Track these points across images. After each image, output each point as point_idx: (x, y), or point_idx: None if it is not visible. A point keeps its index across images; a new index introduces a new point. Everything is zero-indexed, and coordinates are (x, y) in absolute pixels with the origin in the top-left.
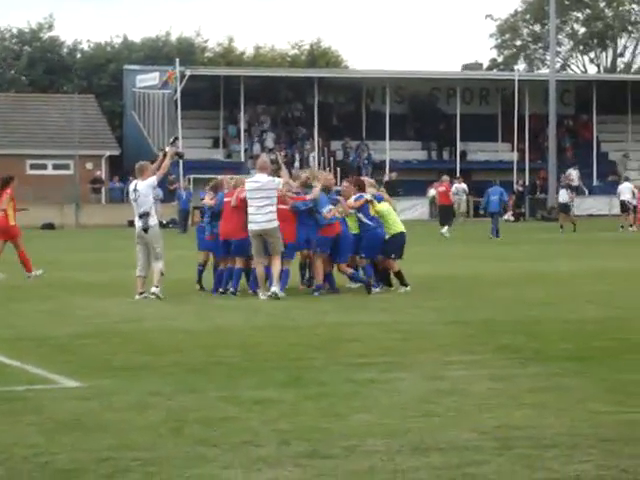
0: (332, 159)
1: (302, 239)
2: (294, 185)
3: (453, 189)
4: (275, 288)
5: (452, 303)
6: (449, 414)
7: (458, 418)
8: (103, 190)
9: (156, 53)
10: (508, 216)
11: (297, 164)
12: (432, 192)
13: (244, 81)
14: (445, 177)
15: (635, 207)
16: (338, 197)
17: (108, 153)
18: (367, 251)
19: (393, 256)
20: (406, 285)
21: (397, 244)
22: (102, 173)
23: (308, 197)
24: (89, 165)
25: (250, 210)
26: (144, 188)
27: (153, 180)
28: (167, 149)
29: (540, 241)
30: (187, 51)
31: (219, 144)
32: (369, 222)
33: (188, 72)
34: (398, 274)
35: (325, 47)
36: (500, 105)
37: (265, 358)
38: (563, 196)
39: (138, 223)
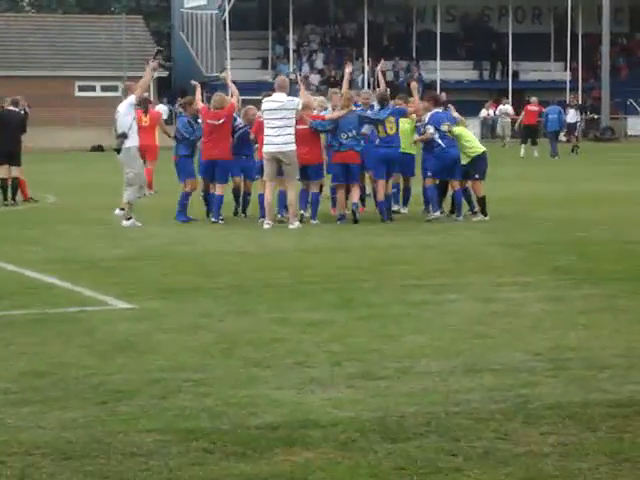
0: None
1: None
2: (314, 107)
3: (497, 111)
4: (296, 222)
5: (504, 225)
6: (502, 335)
7: (511, 339)
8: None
9: None
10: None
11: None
12: (484, 112)
13: (293, 1)
14: (534, 99)
15: None
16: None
17: (156, 74)
18: (436, 170)
19: (477, 176)
20: (485, 214)
21: (480, 165)
22: (150, 95)
23: (327, 116)
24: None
25: (267, 131)
26: (123, 107)
27: (132, 98)
28: (150, 62)
29: (592, 162)
30: None
31: (267, 65)
32: (441, 143)
33: None
34: (482, 200)
35: None
36: (553, 24)
37: (316, 280)
38: (572, 116)
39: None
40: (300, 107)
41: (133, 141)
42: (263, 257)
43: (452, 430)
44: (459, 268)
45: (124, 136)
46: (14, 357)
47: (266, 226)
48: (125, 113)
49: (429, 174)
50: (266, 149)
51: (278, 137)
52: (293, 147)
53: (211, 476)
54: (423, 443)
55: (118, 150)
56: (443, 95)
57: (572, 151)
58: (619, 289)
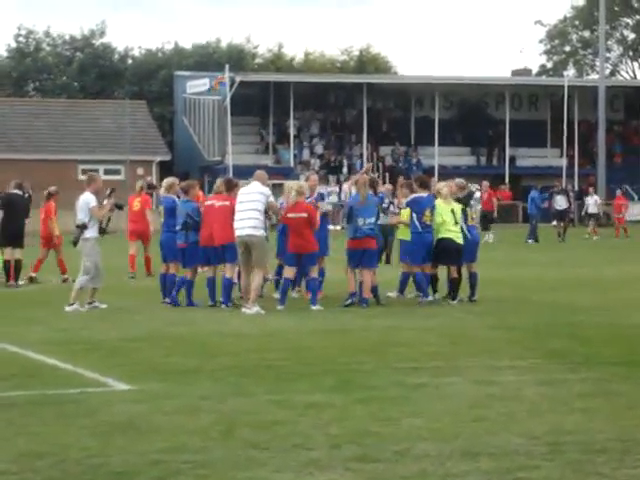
0: (381, 164)
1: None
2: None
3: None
4: (249, 306)
5: (498, 308)
6: (500, 419)
7: (509, 423)
8: (154, 196)
9: (207, 59)
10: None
11: (345, 169)
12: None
13: (294, 87)
14: (485, 183)
15: None
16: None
17: (159, 158)
18: (412, 256)
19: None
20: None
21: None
22: (152, 178)
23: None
24: (140, 170)
25: (236, 216)
26: (82, 201)
27: (89, 202)
28: (105, 201)
29: (587, 246)
30: (237, 57)
31: (268, 150)
32: (418, 226)
33: (238, 78)
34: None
35: (374, 53)
36: (549, 111)
37: (314, 362)
38: (560, 202)
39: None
40: (271, 198)
41: (92, 232)
42: (262, 338)
43: None
44: (456, 351)
45: (84, 227)
46: (13, 438)
47: (246, 310)
48: (82, 208)
49: (407, 261)
50: (236, 233)
51: (243, 221)
52: (261, 232)
53: None
54: None
55: (75, 242)
56: (433, 180)
57: (559, 236)
58: (613, 373)
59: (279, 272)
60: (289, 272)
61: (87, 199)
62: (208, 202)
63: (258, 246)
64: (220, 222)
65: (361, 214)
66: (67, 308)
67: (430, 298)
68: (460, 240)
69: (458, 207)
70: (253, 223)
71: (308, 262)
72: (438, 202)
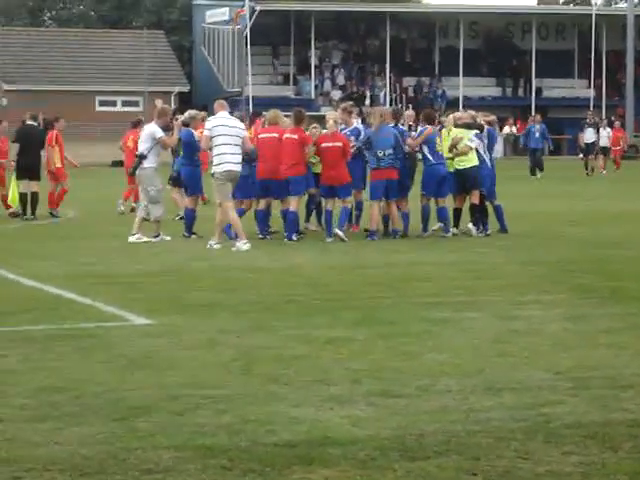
0: (404, 96)
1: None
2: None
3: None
4: (216, 240)
5: (524, 242)
6: (523, 354)
7: (532, 358)
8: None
9: None
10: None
11: (367, 101)
12: (507, 129)
13: (315, 16)
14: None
15: None
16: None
17: (178, 89)
18: (425, 188)
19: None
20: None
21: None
22: (172, 109)
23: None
24: (158, 101)
25: (224, 149)
26: (147, 132)
27: (155, 133)
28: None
29: (615, 179)
30: None
31: (289, 81)
32: (430, 157)
33: (258, 7)
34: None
35: None
36: (577, 40)
37: (335, 297)
38: (589, 135)
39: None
40: (246, 133)
41: (151, 162)
42: (282, 273)
43: (472, 449)
44: (480, 285)
45: (142, 157)
46: (31, 373)
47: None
48: (147, 136)
49: (423, 193)
50: (229, 167)
51: (236, 156)
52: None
53: None
54: (443, 462)
55: (133, 170)
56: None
57: (586, 168)
58: None
59: (310, 203)
60: (330, 203)
61: (153, 130)
62: (262, 135)
63: (236, 182)
64: (289, 155)
65: (377, 145)
66: (130, 238)
67: (450, 232)
68: (460, 166)
69: (463, 132)
70: (240, 159)
71: (342, 194)
72: (443, 132)
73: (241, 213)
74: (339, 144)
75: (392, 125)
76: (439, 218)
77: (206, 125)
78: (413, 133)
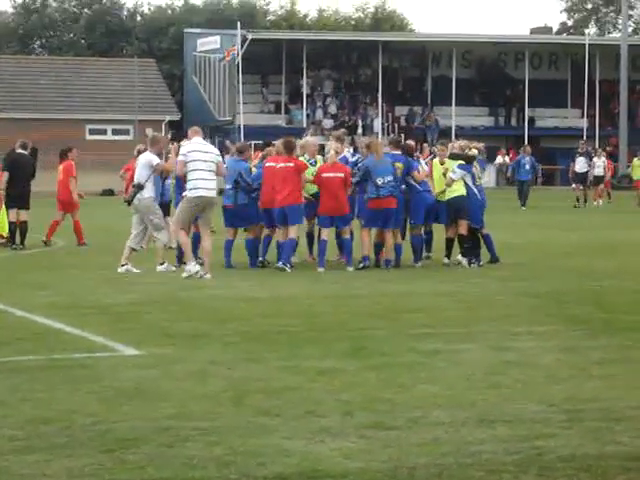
0: (396, 125)
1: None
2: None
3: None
4: (196, 267)
5: (517, 272)
6: (516, 386)
7: (525, 390)
8: (164, 155)
9: (217, 16)
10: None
11: (360, 130)
12: (499, 159)
13: (307, 45)
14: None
15: None
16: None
17: (168, 118)
18: (414, 217)
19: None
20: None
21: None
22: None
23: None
24: (149, 130)
25: (198, 174)
26: (143, 161)
27: (152, 161)
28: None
29: (608, 210)
30: (249, 14)
31: (281, 110)
32: (417, 185)
33: (250, 36)
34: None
35: (390, 10)
36: (570, 70)
37: (327, 327)
38: (582, 165)
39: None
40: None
41: (150, 192)
42: (273, 303)
43: None
44: (472, 316)
45: (140, 187)
46: (20, 403)
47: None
48: (144, 165)
49: (412, 222)
50: (200, 193)
51: (210, 182)
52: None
53: None
54: None
55: (129, 201)
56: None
57: (577, 200)
58: (635, 340)
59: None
60: (325, 234)
61: (149, 159)
62: (268, 164)
63: (214, 208)
64: (284, 183)
65: (379, 173)
66: (159, 268)
67: (419, 263)
68: (448, 195)
69: (449, 163)
70: (214, 185)
71: (341, 224)
72: (434, 162)
73: (256, 243)
74: (340, 175)
75: (400, 154)
76: (412, 245)
77: (181, 150)
78: (421, 167)
